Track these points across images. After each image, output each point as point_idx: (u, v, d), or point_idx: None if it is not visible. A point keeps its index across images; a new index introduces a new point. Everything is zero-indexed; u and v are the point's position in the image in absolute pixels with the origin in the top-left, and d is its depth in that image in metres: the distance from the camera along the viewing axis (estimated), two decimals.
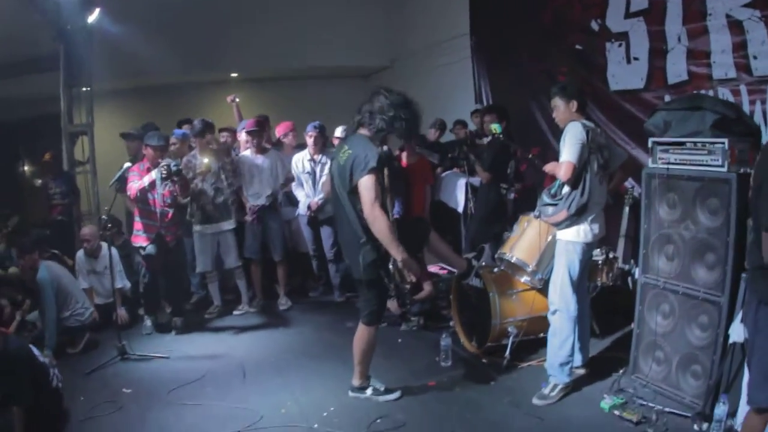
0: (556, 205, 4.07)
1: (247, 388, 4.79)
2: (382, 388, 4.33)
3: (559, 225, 4.09)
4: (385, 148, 4.26)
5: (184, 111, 9.44)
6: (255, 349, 5.65)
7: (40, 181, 10.83)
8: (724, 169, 3.48)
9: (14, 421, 3.91)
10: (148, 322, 6.20)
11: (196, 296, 7.17)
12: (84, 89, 8.67)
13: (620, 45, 5.49)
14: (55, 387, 4.34)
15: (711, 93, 4.61)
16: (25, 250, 5.96)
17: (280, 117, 7.95)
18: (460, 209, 7.10)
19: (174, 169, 5.66)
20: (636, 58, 5.28)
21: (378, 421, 3.98)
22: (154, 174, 5.73)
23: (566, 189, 4.01)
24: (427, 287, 5.90)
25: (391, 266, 3.92)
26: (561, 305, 4.08)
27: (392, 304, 5.82)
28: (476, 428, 3.85)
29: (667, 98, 4.96)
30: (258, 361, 5.32)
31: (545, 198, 4.20)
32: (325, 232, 6.74)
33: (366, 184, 3.80)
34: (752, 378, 2.80)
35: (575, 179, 3.91)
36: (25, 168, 11.24)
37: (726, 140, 3.47)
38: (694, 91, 4.69)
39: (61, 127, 8.58)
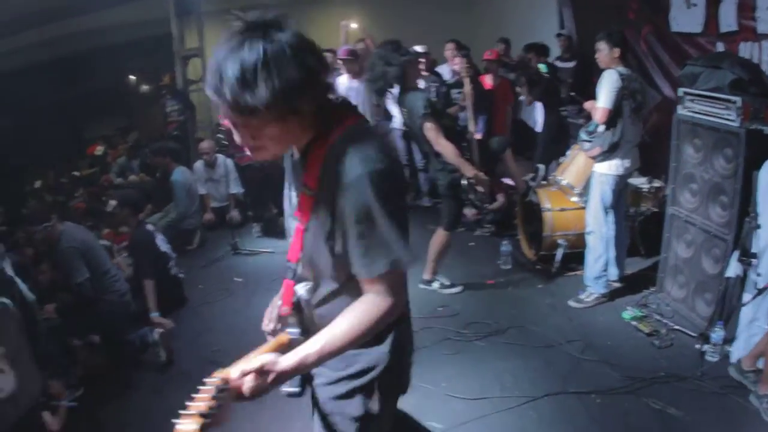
0: (591, 141, 4.59)
1: None
2: (447, 283, 5.16)
3: (594, 158, 4.61)
4: (433, 90, 4.87)
5: None
6: None
7: (146, 87, 11.63)
8: (737, 124, 3.80)
9: (146, 293, 4.77)
10: (257, 227, 7.04)
11: None
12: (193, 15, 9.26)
13: None
14: (174, 275, 5.21)
15: (757, 45, 4.81)
16: (157, 154, 6.95)
17: (383, 35, 8.27)
18: (538, 129, 7.48)
19: None
20: (694, 4, 5.48)
21: (439, 309, 4.83)
22: None
23: (601, 128, 4.49)
24: (501, 198, 6.67)
25: (464, 182, 4.70)
26: (595, 227, 4.66)
27: (469, 212, 6.50)
28: (517, 320, 4.56)
29: (719, 45, 5.20)
30: None
31: (583, 135, 4.72)
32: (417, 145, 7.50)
33: (426, 128, 4.61)
34: None
35: (608, 121, 4.42)
36: (136, 83, 12.19)
37: (739, 99, 3.82)
38: (741, 42, 4.93)
39: (171, 48, 9.23)
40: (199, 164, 7.47)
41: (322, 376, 1.91)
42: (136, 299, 4.77)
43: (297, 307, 1.92)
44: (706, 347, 3.85)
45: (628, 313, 4.50)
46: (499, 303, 4.95)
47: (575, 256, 5.24)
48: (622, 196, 4.85)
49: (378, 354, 1.85)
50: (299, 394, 1.79)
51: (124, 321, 4.61)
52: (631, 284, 4.99)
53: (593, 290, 4.75)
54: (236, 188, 7.26)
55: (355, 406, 1.87)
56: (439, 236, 5.03)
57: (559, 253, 5.35)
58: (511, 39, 8.32)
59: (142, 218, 5.61)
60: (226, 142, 6.65)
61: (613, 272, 4.89)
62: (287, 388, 1.74)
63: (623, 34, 4.57)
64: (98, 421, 3.87)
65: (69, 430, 3.66)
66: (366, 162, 1.60)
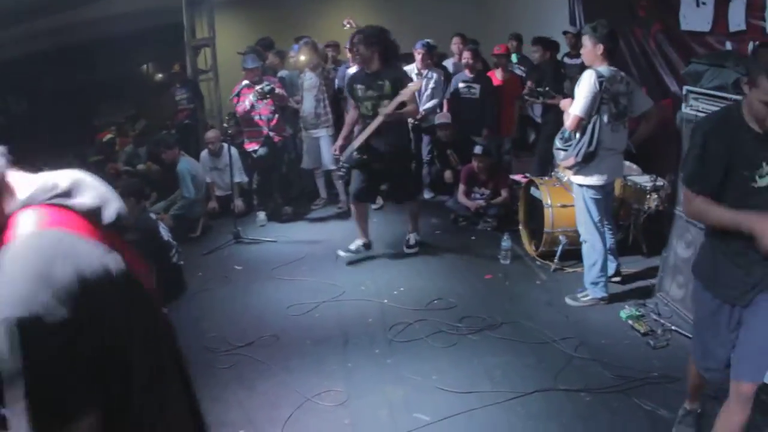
0: (566, 150, 4.39)
1: (337, 269, 5.64)
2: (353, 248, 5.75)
3: (570, 168, 4.44)
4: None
5: (298, 21, 10.01)
6: (349, 237, 6.23)
7: (160, 75, 11.60)
8: None
9: None
10: (261, 215, 7.07)
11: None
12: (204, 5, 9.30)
13: None
14: (175, 262, 5.19)
15: None
16: (167, 146, 6.99)
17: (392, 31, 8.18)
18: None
19: (267, 89, 6.50)
20: (704, 3, 5.39)
21: (435, 301, 4.82)
22: (251, 97, 6.57)
23: (577, 135, 4.27)
24: (504, 193, 6.63)
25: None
26: (587, 237, 4.53)
27: (472, 204, 6.53)
28: (511, 315, 4.53)
29: (728, 45, 5.11)
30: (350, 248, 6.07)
31: (557, 143, 4.52)
32: (425, 139, 7.46)
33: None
34: None
35: (583, 128, 4.20)
36: (151, 71, 12.15)
37: (743, 98, 3.79)
38: (750, 42, 4.83)
39: (183, 38, 9.19)
40: (204, 153, 7.53)
41: None
42: None
43: None
44: None
45: (625, 312, 4.45)
46: (495, 298, 4.94)
47: (575, 253, 5.18)
48: (608, 200, 4.72)
49: None
50: None
51: None
52: (631, 283, 4.98)
53: (590, 293, 4.66)
54: (240, 177, 7.30)
55: None
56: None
57: (559, 250, 5.31)
58: (523, 34, 8.27)
59: (146, 207, 5.64)
60: (231, 132, 6.67)
61: (611, 268, 4.83)
62: None
63: (612, 29, 4.30)
64: None
65: None
66: (11, 302, 1.07)
